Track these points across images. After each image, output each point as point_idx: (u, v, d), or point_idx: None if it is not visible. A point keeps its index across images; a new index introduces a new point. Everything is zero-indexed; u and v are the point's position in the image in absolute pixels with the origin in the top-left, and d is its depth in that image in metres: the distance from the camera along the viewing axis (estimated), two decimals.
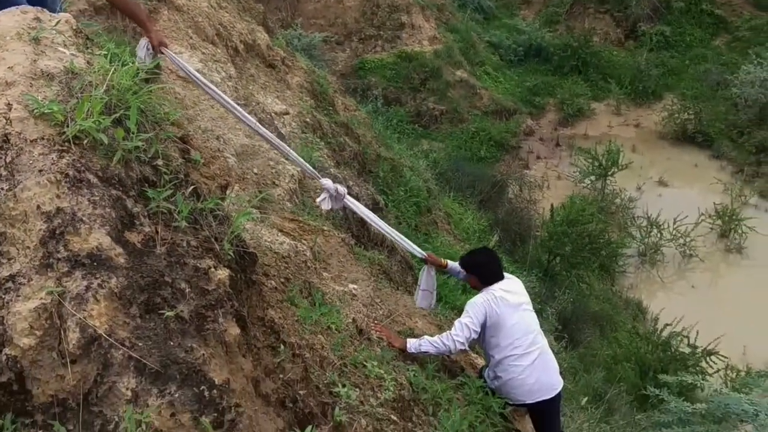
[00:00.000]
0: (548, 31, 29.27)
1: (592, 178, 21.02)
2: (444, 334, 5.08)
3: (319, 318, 4.35)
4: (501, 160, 22.64)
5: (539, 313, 12.14)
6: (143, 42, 4.40)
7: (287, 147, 5.22)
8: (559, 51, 27.56)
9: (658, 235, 19.09)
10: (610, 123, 25.21)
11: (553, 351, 9.57)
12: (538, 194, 20.51)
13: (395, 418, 3.82)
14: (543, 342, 5.36)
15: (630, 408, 11.59)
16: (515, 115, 24.58)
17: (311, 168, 5.47)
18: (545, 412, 5.36)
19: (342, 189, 5.37)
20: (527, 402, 5.20)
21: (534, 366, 5.12)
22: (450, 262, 5.84)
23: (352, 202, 5.52)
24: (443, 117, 23.22)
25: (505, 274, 5.42)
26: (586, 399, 8.26)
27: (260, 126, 5.02)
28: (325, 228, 6.59)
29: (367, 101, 20.73)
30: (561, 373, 5.50)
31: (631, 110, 25.81)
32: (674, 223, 18.92)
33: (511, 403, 5.26)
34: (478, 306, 5.07)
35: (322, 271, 5.68)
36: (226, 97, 4.74)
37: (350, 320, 4.86)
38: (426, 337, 5.14)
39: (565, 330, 13.17)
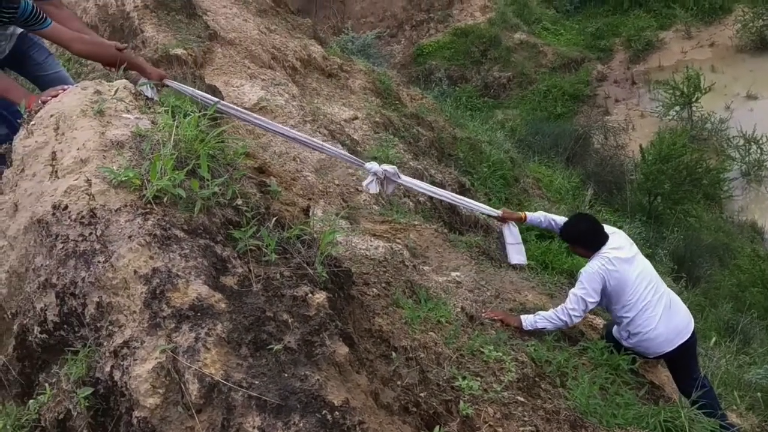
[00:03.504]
0: None
1: (677, 108, 20.35)
2: (559, 307, 4.99)
3: (427, 314, 4.36)
4: (579, 113, 22.21)
5: (651, 257, 11.91)
6: (144, 82, 4.24)
7: (325, 144, 5.25)
8: None
9: (758, 150, 18.35)
10: (683, 49, 24.28)
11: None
12: (625, 138, 20.00)
13: (522, 399, 3.79)
14: (665, 286, 5.24)
15: (767, 333, 11.18)
16: (584, 64, 24.04)
17: (353, 157, 5.45)
18: (684, 356, 5.20)
19: (391, 169, 5.28)
20: (667, 351, 5.06)
21: (666, 313, 5.01)
22: (528, 214, 5.72)
23: (407, 181, 5.45)
24: (511, 83, 22.94)
25: (608, 229, 5.30)
26: (714, 339, 7.97)
27: (290, 130, 5.11)
28: (416, 222, 6.60)
29: (432, 86, 20.67)
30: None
31: (702, 31, 24.77)
32: None
33: (650, 357, 5.16)
34: (593, 275, 4.94)
35: (422, 266, 5.69)
36: (254, 115, 4.82)
37: (459, 309, 4.85)
38: (540, 312, 5.06)
39: (681, 269, 12.78)
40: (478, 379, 3.79)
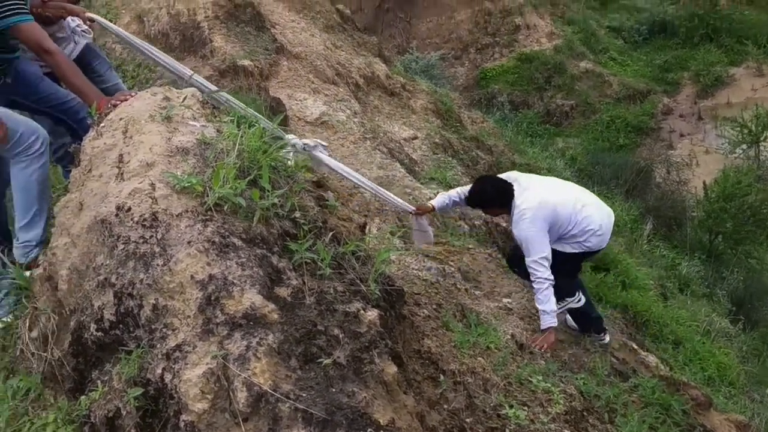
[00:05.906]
0: (670, 3, 27.99)
1: (744, 146, 19.84)
2: (534, 283, 4.94)
3: (477, 339, 4.32)
4: (642, 145, 21.82)
5: (710, 296, 11.63)
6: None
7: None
8: (685, 22, 26.19)
9: None
10: (754, 86, 23.69)
11: (729, 336, 9.07)
12: (688, 173, 19.56)
13: None
14: (579, 188, 5.44)
15: None
16: (649, 96, 23.65)
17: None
18: None
19: (312, 143, 4.92)
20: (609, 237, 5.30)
21: (598, 207, 5.24)
22: (434, 203, 5.62)
23: (321, 155, 5.14)
24: (574, 111, 22.67)
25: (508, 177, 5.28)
26: None
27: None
28: (470, 246, 6.57)
29: (494, 110, 20.56)
30: None
31: None
32: None
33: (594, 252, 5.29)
34: (535, 235, 4.91)
35: (473, 290, 5.65)
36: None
37: (509, 336, 4.80)
38: (538, 299, 4.97)
39: (740, 311, 12.40)
40: (525, 408, 3.74)
